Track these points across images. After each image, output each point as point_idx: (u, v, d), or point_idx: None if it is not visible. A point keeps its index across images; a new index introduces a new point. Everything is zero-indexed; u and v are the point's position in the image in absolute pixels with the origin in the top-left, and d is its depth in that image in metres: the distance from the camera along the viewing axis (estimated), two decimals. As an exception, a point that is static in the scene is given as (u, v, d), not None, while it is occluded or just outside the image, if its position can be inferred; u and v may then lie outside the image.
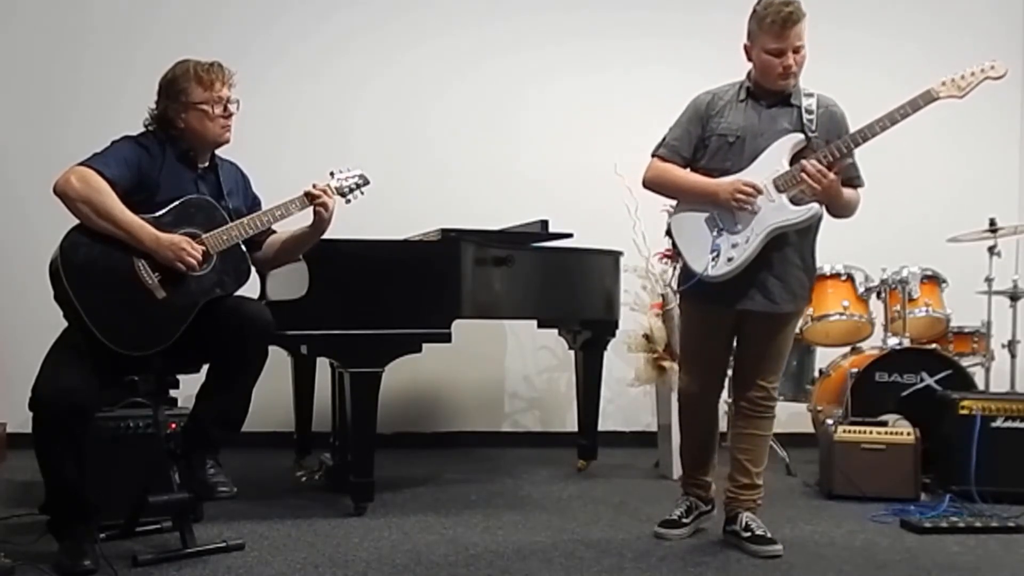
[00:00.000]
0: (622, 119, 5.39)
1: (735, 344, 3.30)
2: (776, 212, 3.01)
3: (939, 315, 4.77)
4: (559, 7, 5.55)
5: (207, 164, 3.11)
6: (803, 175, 2.95)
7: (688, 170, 3.18)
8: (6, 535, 3.12)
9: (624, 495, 4.09)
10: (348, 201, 3.27)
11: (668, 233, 3.25)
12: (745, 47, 3.11)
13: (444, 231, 3.76)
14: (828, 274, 4.78)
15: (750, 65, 3.15)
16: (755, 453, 3.27)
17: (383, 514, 3.60)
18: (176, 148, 3.03)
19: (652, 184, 3.24)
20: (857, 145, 2.98)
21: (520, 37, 5.51)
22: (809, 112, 3.07)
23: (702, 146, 3.16)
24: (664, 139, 3.23)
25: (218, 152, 3.15)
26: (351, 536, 3.29)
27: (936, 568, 3.02)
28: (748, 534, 3.18)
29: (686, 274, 3.17)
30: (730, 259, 3.04)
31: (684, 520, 3.31)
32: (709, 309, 3.21)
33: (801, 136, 3.06)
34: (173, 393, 3.17)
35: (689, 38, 5.52)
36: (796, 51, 3.01)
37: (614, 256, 4.52)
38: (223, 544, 3.05)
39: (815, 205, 3.02)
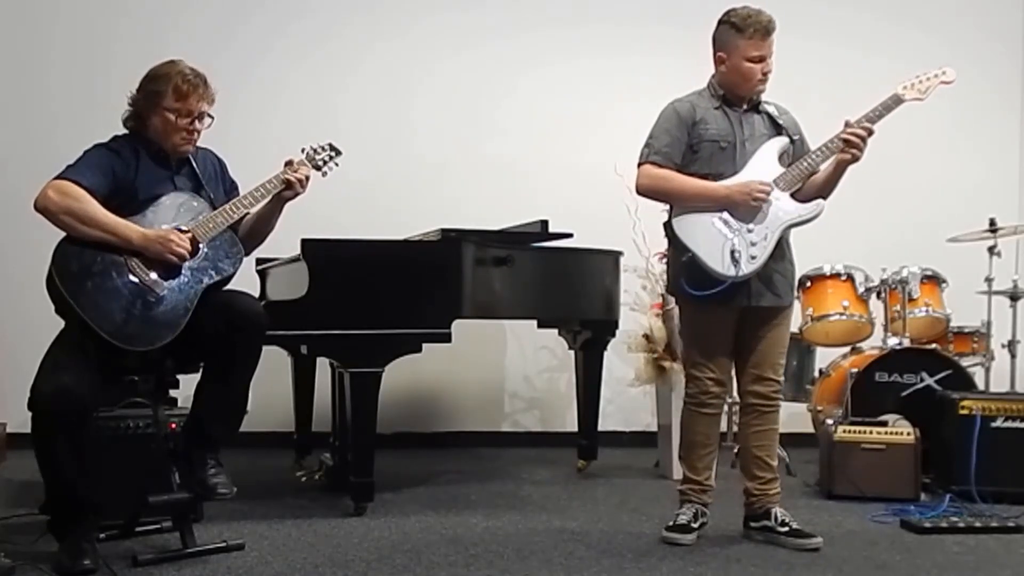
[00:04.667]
0: (622, 117, 5.37)
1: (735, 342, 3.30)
2: (787, 209, 3.16)
3: (939, 315, 4.76)
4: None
5: (181, 158, 3.11)
6: (850, 137, 3.07)
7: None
8: (6, 535, 3.12)
9: (624, 495, 4.09)
10: (324, 174, 3.31)
11: (671, 238, 3.25)
12: (719, 58, 3.24)
13: (444, 231, 3.76)
14: (828, 274, 4.78)
15: (711, 74, 3.30)
16: (772, 447, 3.34)
17: (383, 514, 3.60)
18: (149, 147, 3.03)
19: (650, 191, 3.29)
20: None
21: (518, 26, 5.51)
22: (778, 118, 3.26)
23: (690, 152, 3.24)
24: (652, 146, 3.27)
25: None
26: (351, 536, 3.29)
27: (936, 568, 3.02)
28: (785, 529, 3.22)
29: (703, 278, 3.14)
30: (753, 257, 3.12)
31: (693, 525, 3.28)
32: (717, 309, 3.21)
33: (787, 140, 3.24)
34: (173, 393, 3.17)
35: (692, 27, 5.49)
36: (769, 56, 3.20)
37: (614, 256, 4.52)
38: (223, 544, 3.05)
39: (821, 201, 3.18)
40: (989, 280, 4.56)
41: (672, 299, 4.50)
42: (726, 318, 3.25)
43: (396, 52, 5.45)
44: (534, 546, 3.20)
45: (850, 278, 4.80)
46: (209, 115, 3.06)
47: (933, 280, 4.80)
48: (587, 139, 5.43)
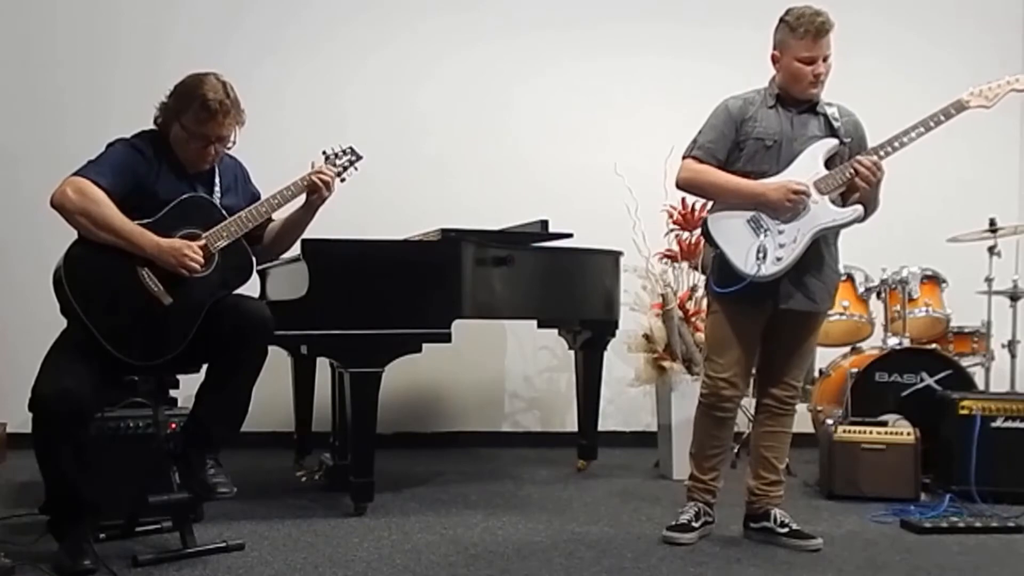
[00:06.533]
0: (623, 118, 5.39)
1: (760, 343, 3.29)
2: (822, 213, 3.10)
3: (939, 315, 4.77)
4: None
5: None
6: (858, 167, 3.05)
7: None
8: (6, 535, 3.12)
9: (624, 495, 4.09)
10: (343, 179, 3.28)
11: (705, 234, 3.23)
12: (773, 56, 3.20)
13: (444, 231, 3.76)
14: (828, 274, 4.79)
15: (772, 72, 3.24)
16: (781, 450, 3.34)
17: (383, 514, 3.60)
18: (171, 150, 3.00)
19: (688, 185, 3.27)
20: (895, 150, 3.09)
21: (520, 27, 5.50)
22: (835, 120, 3.18)
23: (736, 149, 3.20)
24: (697, 141, 3.24)
25: None
26: (351, 536, 3.29)
27: (936, 568, 3.02)
28: (785, 530, 3.23)
29: (729, 275, 3.13)
30: (779, 259, 3.08)
31: (694, 524, 3.28)
32: (745, 309, 3.20)
33: (836, 141, 3.16)
34: (173, 393, 3.17)
35: (695, 25, 5.50)
36: (824, 59, 3.13)
37: (614, 256, 4.52)
38: (223, 544, 3.05)
39: (859, 207, 3.12)
40: (989, 280, 4.56)
41: (673, 299, 4.52)
42: (753, 320, 3.22)
43: (399, 52, 5.44)
44: (534, 546, 3.20)
45: (850, 278, 4.80)
46: (232, 139, 3.00)
47: (933, 280, 4.81)
48: (588, 139, 5.42)
